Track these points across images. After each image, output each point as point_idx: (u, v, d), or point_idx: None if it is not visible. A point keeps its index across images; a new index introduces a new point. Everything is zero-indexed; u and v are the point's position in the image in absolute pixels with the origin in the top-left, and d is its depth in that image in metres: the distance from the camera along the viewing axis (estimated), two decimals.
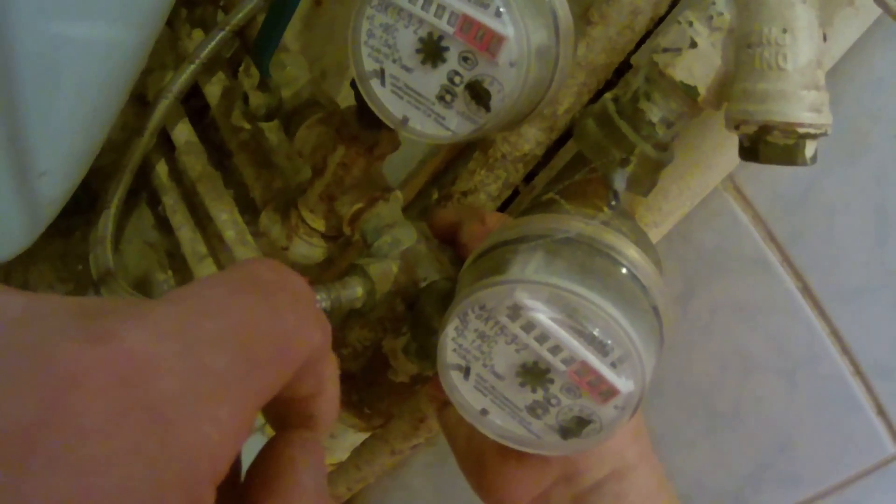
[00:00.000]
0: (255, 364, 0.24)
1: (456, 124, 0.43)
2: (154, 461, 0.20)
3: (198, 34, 0.76)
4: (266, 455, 0.28)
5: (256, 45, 0.63)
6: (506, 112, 0.42)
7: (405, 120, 0.45)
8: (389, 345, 0.54)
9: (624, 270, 0.41)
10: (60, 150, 0.55)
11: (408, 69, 0.43)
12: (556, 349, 0.39)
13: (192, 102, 0.78)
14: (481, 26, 0.40)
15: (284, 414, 0.29)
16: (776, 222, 0.62)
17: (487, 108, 0.42)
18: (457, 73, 0.42)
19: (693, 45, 0.39)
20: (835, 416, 0.63)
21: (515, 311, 0.40)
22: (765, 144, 0.38)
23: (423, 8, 0.41)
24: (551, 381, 0.40)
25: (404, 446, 0.80)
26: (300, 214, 0.60)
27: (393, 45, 0.43)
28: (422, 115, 0.44)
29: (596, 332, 0.39)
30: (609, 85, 0.62)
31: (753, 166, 0.48)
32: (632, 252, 0.42)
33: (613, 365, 0.39)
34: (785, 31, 0.37)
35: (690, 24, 0.39)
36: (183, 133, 0.75)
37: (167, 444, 0.20)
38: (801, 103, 0.37)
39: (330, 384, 0.29)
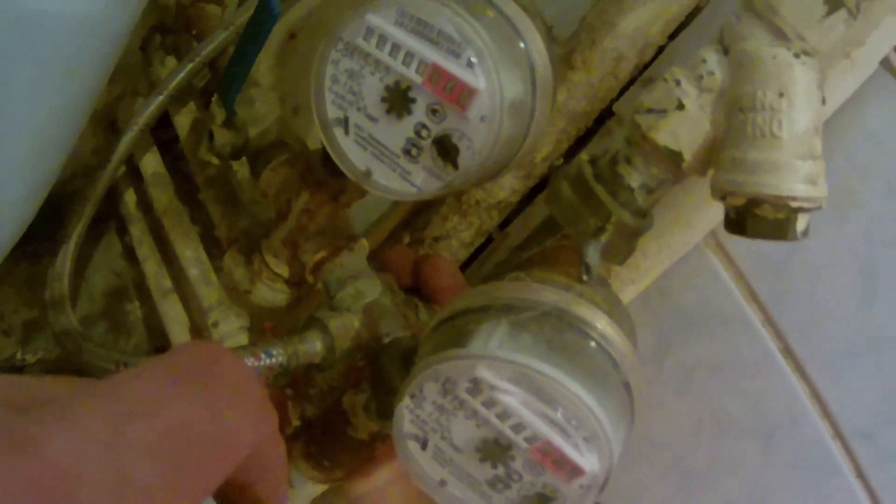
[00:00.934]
0: (188, 470, 0.23)
1: (422, 180, 0.39)
2: None
3: (171, 61, 0.71)
4: None
5: (223, 82, 0.58)
6: (475, 169, 0.38)
7: (368, 173, 0.40)
8: (350, 400, 0.49)
9: (593, 345, 0.37)
10: (15, 186, 0.51)
11: (373, 119, 0.39)
12: (518, 427, 0.35)
13: (164, 132, 0.73)
14: (451, 77, 0.36)
15: (230, 498, 0.28)
16: (759, 281, 0.58)
17: (455, 166, 0.37)
18: (424, 125, 0.38)
19: (680, 106, 0.35)
20: (813, 479, 0.59)
21: (476, 386, 0.35)
22: (753, 218, 0.34)
23: (390, 54, 0.37)
24: (512, 458, 0.36)
25: None
26: (263, 259, 0.55)
27: (358, 92, 0.39)
28: (386, 168, 0.40)
29: (559, 413, 0.34)
30: (589, 133, 0.58)
31: None
32: (603, 324, 0.37)
33: (578, 445, 0.35)
34: (781, 95, 0.33)
35: (678, 83, 0.35)
36: (151, 164, 0.70)
37: None
38: (795, 175, 0.33)
39: (277, 470, 0.28)
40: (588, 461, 0.35)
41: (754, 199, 0.33)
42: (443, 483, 0.39)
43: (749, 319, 0.59)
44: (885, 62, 0.37)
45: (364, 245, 0.53)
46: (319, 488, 0.65)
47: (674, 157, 0.35)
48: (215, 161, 0.65)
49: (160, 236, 0.72)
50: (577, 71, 0.54)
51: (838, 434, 0.58)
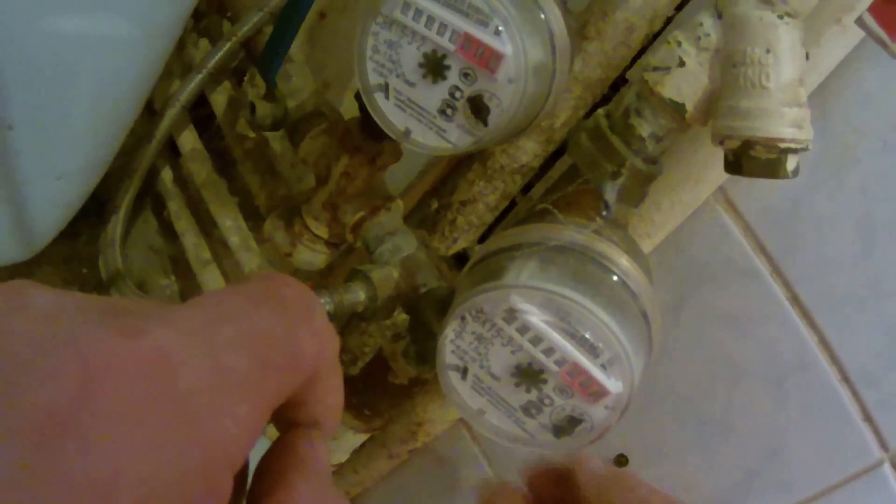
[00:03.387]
0: (270, 369, 0.25)
1: (456, 137, 0.46)
2: (178, 448, 0.22)
3: (204, 44, 0.79)
4: (276, 450, 0.29)
5: (264, 58, 0.66)
6: (504, 126, 0.45)
7: (408, 132, 0.48)
8: (389, 348, 0.57)
9: (615, 277, 0.44)
10: (79, 155, 0.58)
11: (411, 84, 0.46)
12: (549, 351, 0.42)
13: (198, 111, 0.81)
14: (481, 44, 0.43)
15: (291, 420, 0.30)
16: (767, 234, 0.64)
17: (486, 123, 0.44)
18: (458, 88, 0.45)
19: (681, 64, 0.42)
20: (823, 423, 0.66)
21: (511, 314, 0.42)
22: (748, 159, 0.41)
23: (426, 26, 0.44)
24: (545, 382, 0.43)
25: (401, 450, 0.83)
26: (304, 222, 0.63)
27: (397, 60, 0.46)
28: (424, 127, 0.47)
29: (587, 335, 0.41)
30: (605, 99, 0.65)
31: (744, 180, 0.51)
32: (622, 260, 0.45)
33: (603, 367, 0.42)
34: (768, 51, 0.40)
35: (679, 44, 0.42)
36: (188, 140, 0.78)
37: (190, 433, 0.22)
38: (782, 120, 0.40)
39: (335, 394, 0.31)
40: (612, 383, 0.42)
41: (748, 141, 0.40)
42: (481, 412, 0.47)
43: (758, 270, 0.65)
44: (859, 21, 0.43)
45: (399, 205, 0.60)
46: (360, 438, 0.72)
47: (678, 108, 0.43)
48: (252, 134, 0.73)
49: (197, 210, 0.79)
50: (591, 41, 0.61)
51: (845, 379, 0.64)
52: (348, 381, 0.63)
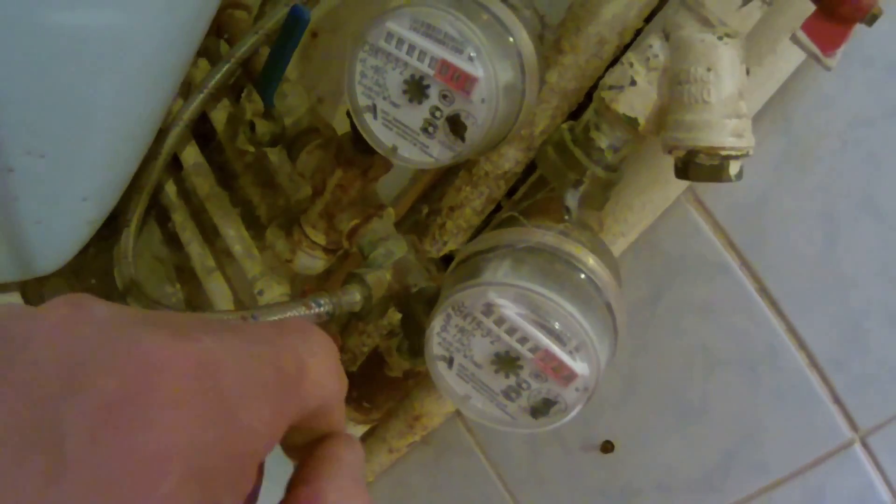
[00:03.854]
0: (289, 387, 0.29)
1: (438, 152, 0.53)
2: (220, 434, 0.25)
3: (203, 63, 0.85)
4: (313, 450, 0.33)
5: (262, 80, 0.73)
6: (480, 140, 0.51)
7: (395, 149, 0.54)
8: (384, 344, 0.63)
9: (582, 275, 0.51)
10: (103, 177, 0.65)
11: (396, 105, 0.53)
12: (523, 340, 0.49)
13: (198, 127, 0.87)
14: (457, 69, 0.49)
15: (296, 440, 0.34)
16: (734, 230, 0.70)
17: (463, 139, 0.51)
18: (438, 108, 0.51)
19: (633, 83, 0.49)
20: (795, 406, 0.71)
21: (489, 308, 0.49)
22: (694, 166, 0.47)
23: (407, 53, 0.51)
24: (521, 368, 0.50)
25: (401, 444, 0.89)
26: (303, 230, 0.70)
27: (383, 84, 0.53)
28: (409, 144, 0.53)
29: (556, 325, 0.48)
30: (581, 107, 0.71)
31: None
32: (588, 259, 0.51)
33: (571, 353, 0.48)
34: (709, 69, 0.47)
35: (631, 65, 0.49)
36: (191, 156, 0.84)
37: (229, 423, 0.26)
38: (723, 130, 0.46)
39: (339, 420, 0.34)
40: (579, 366, 0.49)
41: (693, 150, 0.47)
42: (467, 397, 0.53)
43: (728, 264, 0.71)
44: (793, 38, 0.49)
45: (391, 212, 0.67)
46: (359, 431, 0.78)
47: (631, 122, 0.49)
48: (251, 149, 0.79)
49: (200, 221, 0.85)
50: (566, 55, 0.67)
51: (814, 364, 0.70)
52: (348, 376, 0.70)
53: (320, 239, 0.69)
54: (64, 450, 0.23)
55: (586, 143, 0.51)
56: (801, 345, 0.70)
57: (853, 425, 0.70)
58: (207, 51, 0.85)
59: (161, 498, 0.24)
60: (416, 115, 0.52)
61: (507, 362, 0.50)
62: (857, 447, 0.70)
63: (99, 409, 0.24)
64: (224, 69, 0.77)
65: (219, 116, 0.82)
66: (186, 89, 0.82)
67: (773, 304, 0.71)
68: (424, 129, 0.53)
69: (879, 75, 0.63)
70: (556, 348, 0.48)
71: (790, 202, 0.68)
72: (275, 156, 0.78)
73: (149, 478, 0.24)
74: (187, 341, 0.27)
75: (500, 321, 0.49)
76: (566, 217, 0.51)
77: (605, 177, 0.52)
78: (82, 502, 0.23)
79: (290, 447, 0.34)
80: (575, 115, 0.71)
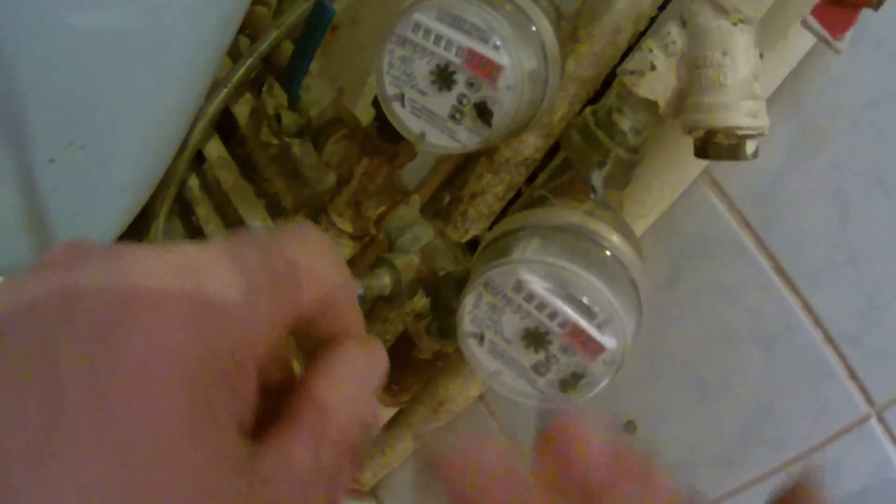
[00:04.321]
0: (280, 281, 0.30)
1: (465, 138, 0.56)
2: (206, 330, 0.27)
3: (225, 60, 0.89)
4: (322, 353, 0.33)
5: (287, 74, 0.76)
6: (506, 126, 0.55)
7: (423, 135, 0.58)
8: (413, 327, 0.67)
9: (607, 252, 0.54)
10: (139, 170, 0.68)
11: (423, 93, 0.56)
12: (552, 315, 0.52)
13: (220, 121, 0.91)
14: (483, 58, 0.53)
15: (326, 336, 0.34)
16: (750, 210, 0.73)
17: (490, 125, 0.55)
18: (464, 95, 0.55)
19: (653, 67, 0.52)
20: (812, 382, 0.74)
21: (519, 285, 0.53)
22: (712, 145, 0.51)
23: (434, 43, 0.54)
24: (550, 343, 0.53)
25: (425, 430, 0.93)
26: (330, 218, 0.73)
27: (410, 73, 0.56)
28: (437, 130, 0.57)
29: (584, 300, 0.52)
30: (598, 94, 0.74)
31: (727, 162, 0.60)
32: (613, 237, 0.55)
33: (599, 326, 0.52)
34: (725, 53, 0.50)
35: (650, 50, 0.53)
36: (214, 150, 0.88)
37: (215, 320, 0.27)
38: (739, 111, 0.50)
39: (349, 311, 0.34)
40: (607, 340, 0.52)
41: (711, 130, 0.51)
42: (497, 373, 0.57)
43: (744, 244, 0.74)
44: (803, 23, 0.53)
45: (416, 199, 0.71)
46: (388, 413, 0.82)
47: (652, 106, 0.53)
48: (275, 142, 0.83)
49: (224, 214, 0.89)
50: (582, 44, 0.70)
51: (829, 339, 0.73)
52: None
53: (347, 227, 0.73)
54: (60, 376, 0.25)
55: (609, 126, 0.55)
56: (817, 321, 0.73)
57: (869, 400, 0.73)
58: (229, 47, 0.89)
59: (153, 399, 0.25)
60: (443, 103, 0.56)
61: (536, 337, 0.54)
62: (874, 421, 0.73)
63: (90, 330, 0.26)
64: (246, 64, 0.81)
65: (241, 111, 0.86)
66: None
67: (789, 281, 0.73)
68: (452, 116, 0.56)
69: (887, 57, 0.65)
70: (584, 322, 0.52)
71: (803, 182, 0.71)
72: (298, 148, 0.81)
73: (138, 383, 0.25)
74: (170, 252, 0.29)
75: (530, 297, 0.53)
76: (592, 196, 0.55)
77: (627, 158, 0.55)
78: (81, 422, 0.25)
79: (305, 352, 0.35)
80: (592, 101, 0.74)
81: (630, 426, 0.86)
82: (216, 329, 0.28)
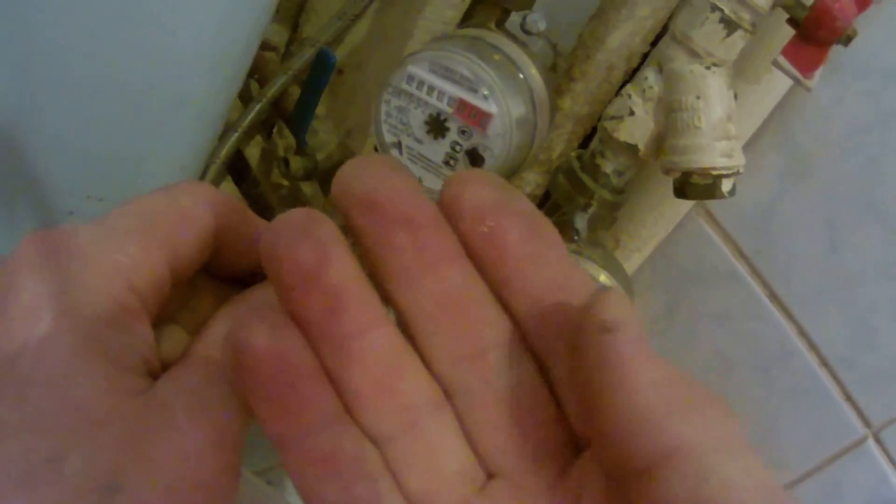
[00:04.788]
0: (156, 223, 0.32)
1: None
2: (80, 278, 0.30)
3: (235, 103, 0.92)
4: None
5: (294, 119, 0.80)
6: (497, 170, 0.58)
7: (420, 180, 0.60)
8: None
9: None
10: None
11: (419, 140, 0.59)
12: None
13: (232, 162, 0.94)
14: (473, 107, 0.56)
15: (247, 270, 0.37)
16: (744, 239, 0.75)
17: None
18: (457, 143, 0.58)
19: (632, 112, 0.55)
20: (808, 406, 0.76)
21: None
22: (689, 185, 0.54)
23: (427, 94, 0.57)
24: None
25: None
26: None
27: (406, 122, 0.59)
28: (433, 176, 0.60)
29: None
30: (595, 130, 0.77)
31: None
32: (599, 274, 0.58)
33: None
34: (699, 97, 0.53)
35: (630, 96, 0.56)
36: (226, 190, 0.91)
37: (88, 267, 0.30)
38: (714, 152, 0.53)
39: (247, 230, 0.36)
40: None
41: (687, 171, 0.53)
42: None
43: (739, 273, 0.76)
44: (774, 62, 0.55)
45: None
46: None
47: (632, 149, 0.56)
48: (285, 183, 0.86)
49: None
50: (577, 82, 0.73)
51: (824, 363, 0.74)
52: None
53: None
54: None
55: (593, 169, 0.58)
56: (812, 345, 0.75)
57: (865, 421, 0.74)
58: (240, 90, 0.93)
59: (40, 337, 0.28)
60: (437, 150, 0.59)
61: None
62: (871, 442, 0.74)
63: None
64: (256, 108, 0.84)
65: (252, 153, 0.89)
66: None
67: (783, 308, 0.75)
68: (446, 162, 0.59)
69: (874, 84, 0.67)
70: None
71: (795, 210, 0.72)
72: (308, 188, 0.84)
73: (25, 326, 0.29)
74: (51, 229, 0.31)
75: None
76: (575, 237, 0.58)
77: (611, 199, 0.58)
78: None
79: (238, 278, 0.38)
80: (590, 137, 0.76)
81: None
82: (91, 274, 0.30)
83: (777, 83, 0.68)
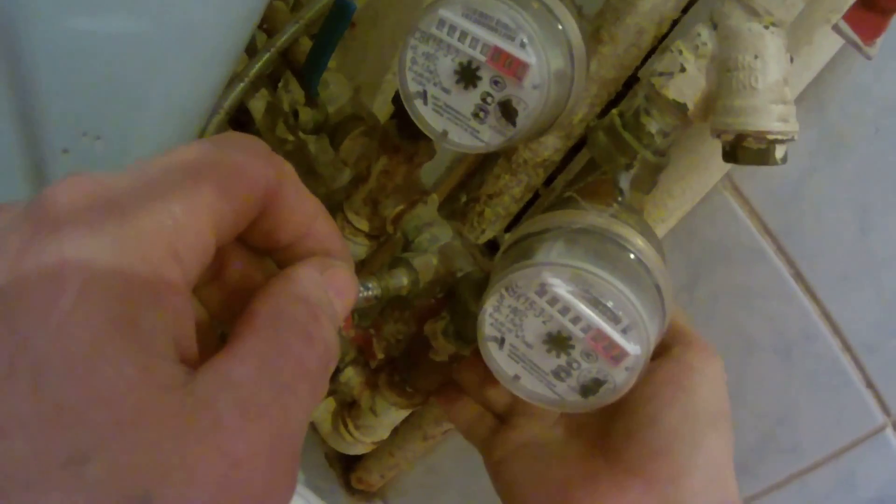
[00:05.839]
0: (203, 179, 0.29)
1: (489, 137, 0.56)
2: (114, 237, 0.26)
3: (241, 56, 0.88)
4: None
5: (306, 69, 0.76)
6: (530, 126, 0.54)
7: (445, 133, 0.57)
8: (431, 328, 0.66)
9: (631, 255, 0.54)
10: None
11: (447, 91, 0.55)
12: (576, 319, 0.52)
13: (235, 116, 0.90)
14: (509, 56, 0.52)
15: (284, 248, 0.35)
16: (770, 216, 0.73)
17: (514, 124, 0.54)
18: (489, 94, 0.54)
19: (683, 69, 0.51)
20: (828, 390, 0.74)
21: (542, 288, 0.52)
22: (742, 150, 0.50)
23: (459, 40, 0.53)
24: (572, 347, 0.53)
25: (436, 431, 0.92)
26: (345, 216, 0.73)
27: (434, 70, 0.55)
28: (459, 129, 0.56)
29: (608, 304, 0.51)
30: (619, 96, 0.74)
31: (748, 167, 0.60)
32: (637, 240, 0.54)
33: (623, 332, 0.51)
34: (756, 56, 0.50)
35: (680, 52, 0.52)
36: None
37: (123, 225, 0.26)
38: (770, 115, 0.49)
39: (318, 218, 0.36)
40: (631, 346, 0.51)
41: (741, 134, 0.50)
42: (517, 377, 0.56)
43: (763, 250, 0.74)
44: (835, 27, 0.53)
45: (435, 198, 0.70)
46: (402, 415, 0.81)
47: (681, 108, 0.52)
48: (291, 138, 0.82)
49: None
50: (605, 45, 0.70)
51: (847, 348, 0.72)
52: (391, 361, 0.73)
53: (363, 225, 0.72)
54: None
55: (637, 128, 0.54)
56: (835, 329, 0.73)
57: (886, 409, 0.72)
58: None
59: (63, 314, 0.25)
60: (467, 101, 0.55)
61: (558, 342, 0.53)
62: (889, 431, 0.73)
63: (12, 250, 0.26)
64: (264, 59, 0.80)
65: (257, 106, 0.85)
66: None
67: (808, 289, 0.73)
68: (475, 115, 0.55)
69: None
70: (608, 327, 0.51)
71: (824, 189, 0.70)
72: (314, 145, 0.81)
73: (44, 293, 0.25)
74: (84, 176, 0.28)
75: (554, 301, 0.52)
76: (619, 198, 0.55)
77: (654, 160, 0.55)
78: None
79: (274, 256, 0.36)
80: (613, 103, 0.74)
81: None
82: (125, 235, 0.26)
83: (815, 57, 0.65)
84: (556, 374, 0.54)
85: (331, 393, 0.81)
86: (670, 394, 0.55)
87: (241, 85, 0.80)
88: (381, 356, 0.73)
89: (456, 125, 0.57)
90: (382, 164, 0.69)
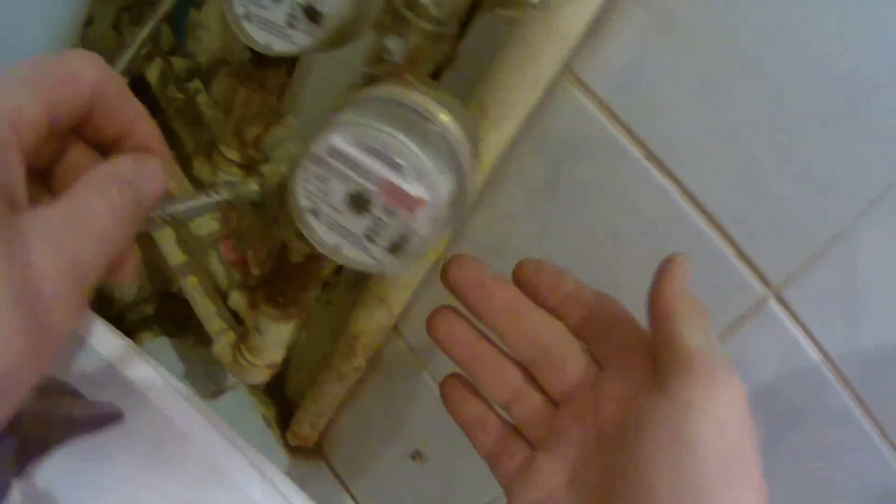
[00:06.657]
0: (43, 77, 0.37)
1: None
2: None
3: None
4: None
5: (172, 19, 0.81)
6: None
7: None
8: (286, 232, 0.70)
9: (417, 113, 0.57)
10: None
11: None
12: (365, 174, 0.55)
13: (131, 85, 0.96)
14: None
15: (109, 143, 0.43)
16: (616, 103, 0.73)
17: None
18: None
19: None
20: (702, 269, 0.68)
21: (332, 149, 0.55)
22: None
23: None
24: (371, 204, 0.55)
25: (347, 368, 0.95)
26: (219, 150, 0.78)
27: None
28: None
29: (395, 158, 0.54)
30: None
31: (588, 56, 0.63)
32: (427, 104, 0.57)
33: (409, 179, 0.54)
34: None
35: None
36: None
37: None
38: None
39: (140, 121, 0.43)
40: (419, 190, 0.54)
41: None
42: (338, 247, 0.59)
43: (616, 139, 0.74)
44: None
45: (290, 121, 0.75)
46: (286, 331, 0.83)
47: None
48: (180, 95, 0.88)
49: None
50: None
51: (712, 221, 0.72)
52: (261, 279, 0.77)
53: (234, 155, 0.77)
54: None
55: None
56: (696, 203, 0.73)
57: (764, 280, 0.72)
58: (142, 19, 0.94)
59: None
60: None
61: (359, 201, 0.56)
62: (773, 304, 0.72)
63: None
64: (149, 25, 0.85)
65: (153, 73, 0.91)
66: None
67: (664, 168, 0.73)
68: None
69: None
70: (393, 175, 0.54)
71: (664, 67, 0.70)
72: (201, 97, 0.86)
73: None
74: None
75: (345, 160, 0.55)
76: (386, 56, 0.58)
77: (432, 29, 0.58)
78: None
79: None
80: None
81: None
82: None
83: None
84: (368, 236, 0.57)
85: (226, 320, 0.86)
86: (665, 444, 0.46)
87: (129, 50, 0.85)
88: (256, 272, 0.77)
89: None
90: (241, 96, 0.74)
